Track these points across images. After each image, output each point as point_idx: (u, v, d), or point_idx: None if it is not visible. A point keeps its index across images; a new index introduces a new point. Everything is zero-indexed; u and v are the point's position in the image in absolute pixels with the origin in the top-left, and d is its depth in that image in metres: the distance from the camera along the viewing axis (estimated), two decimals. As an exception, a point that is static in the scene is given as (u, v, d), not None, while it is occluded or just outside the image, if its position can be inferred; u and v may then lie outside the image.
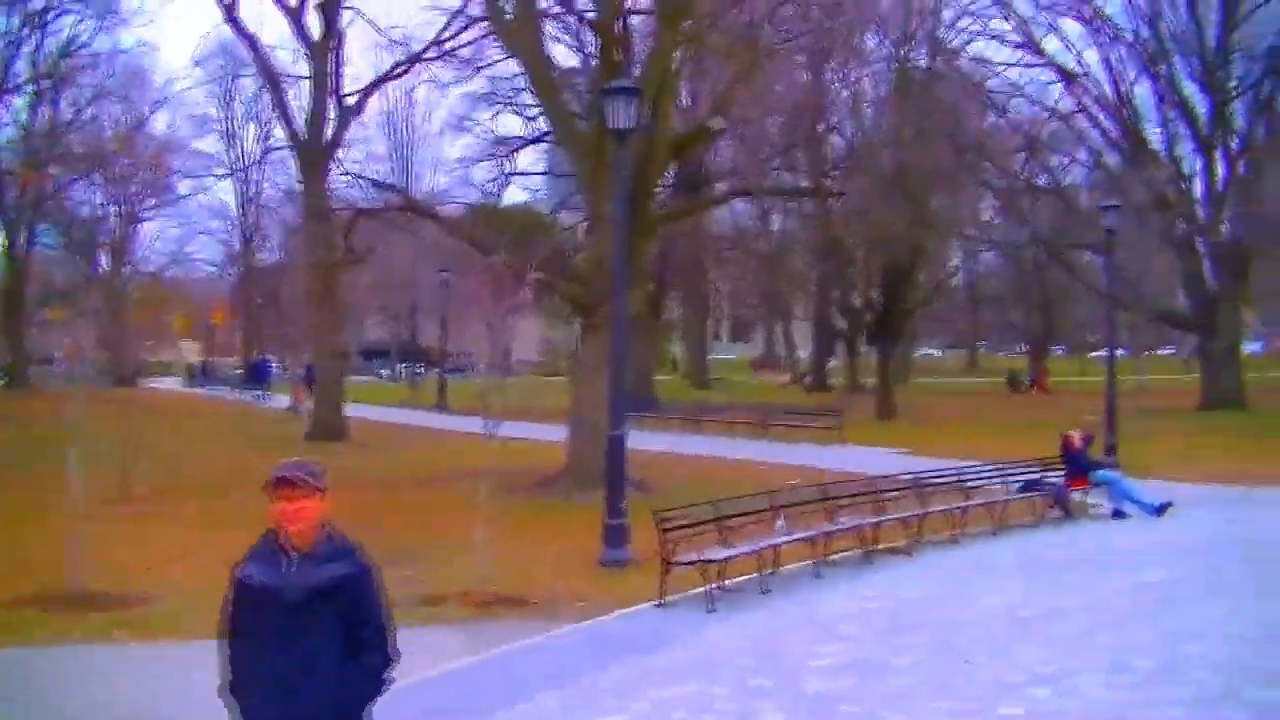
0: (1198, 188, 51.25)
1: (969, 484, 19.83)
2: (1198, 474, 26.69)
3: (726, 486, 24.64)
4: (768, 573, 14.88)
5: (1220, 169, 49.91)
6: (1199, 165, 51.11)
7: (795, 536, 15.50)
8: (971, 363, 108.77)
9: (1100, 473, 21.19)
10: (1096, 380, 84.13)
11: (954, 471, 20.12)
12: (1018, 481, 20.69)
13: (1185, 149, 52.04)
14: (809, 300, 75.49)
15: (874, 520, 17.00)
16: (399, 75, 44.06)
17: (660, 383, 71.29)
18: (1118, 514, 20.46)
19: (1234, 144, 49.89)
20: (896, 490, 18.54)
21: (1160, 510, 20.22)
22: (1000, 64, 51.43)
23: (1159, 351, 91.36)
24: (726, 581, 14.35)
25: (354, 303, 65.18)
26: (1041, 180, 54.53)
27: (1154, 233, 46.82)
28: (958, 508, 18.48)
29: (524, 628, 12.84)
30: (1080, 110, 51.18)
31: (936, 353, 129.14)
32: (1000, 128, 52.86)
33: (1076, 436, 21.60)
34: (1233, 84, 49.84)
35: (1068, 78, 51.01)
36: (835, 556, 16.32)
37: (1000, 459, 29.80)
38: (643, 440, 36.92)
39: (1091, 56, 53.33)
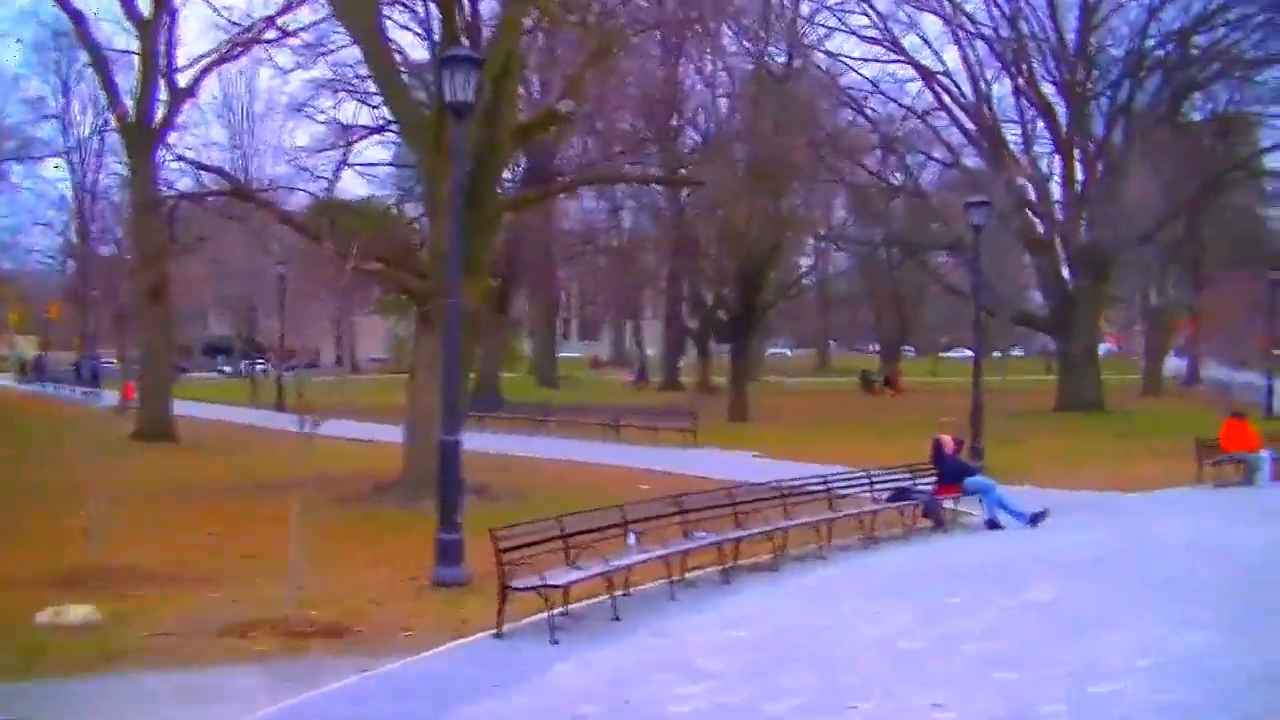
0: (1056, 189, 51.10)
1: (835, 492, 18.38)
2: (1067, 479, 25.86)
3: (575, 493, 23.08)
4: (620, 594, 13.24)
5: (1079, 170, 49.68)
6: (1058, 166, 50.95)
7: (649, 555, 13.82)
8: (822, 362, 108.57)
9: (973, 480, 19.90)
10: (948, 380, 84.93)
11: (819, 479, 18.59)
12: (886, 489, 19.31)
13: (1044, 150, 51.90)
14: (660, 298, 74.23)
15: (735, 536, 15.40)
16: (235, 56, 41.43)
17: (508, 381, 69.50)
18: (991, 524, 19.23)
19: (1092, 146, 49.73)
20: (758, 501, 16.94)
21: (1035, 520, 19.05)
22: (858, 58, 50.64)
23: (1009, 353, 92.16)
24: (573, 606, 12.68)
25: (194, 296, 61.97)
26: (898, 179, 53.94)
27: (1012, 233, 46.30)
28: (824, 520, 17.00)
29: (339, 665, 10.93)
30: (939, 108, 50.62)
31: (787, 351, 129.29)
32: (857, 125, 52.09)
33: (949, 440, 20.29)
34: (1091, 85, 49.65)
35: (927, 75, 50.40)
36: (693, 574, 14.74)
37: (864, 463, 28.91)
38: (487, 441, 35.11)
39: (952, 55, 52.94)
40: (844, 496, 18.51)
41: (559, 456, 30.62)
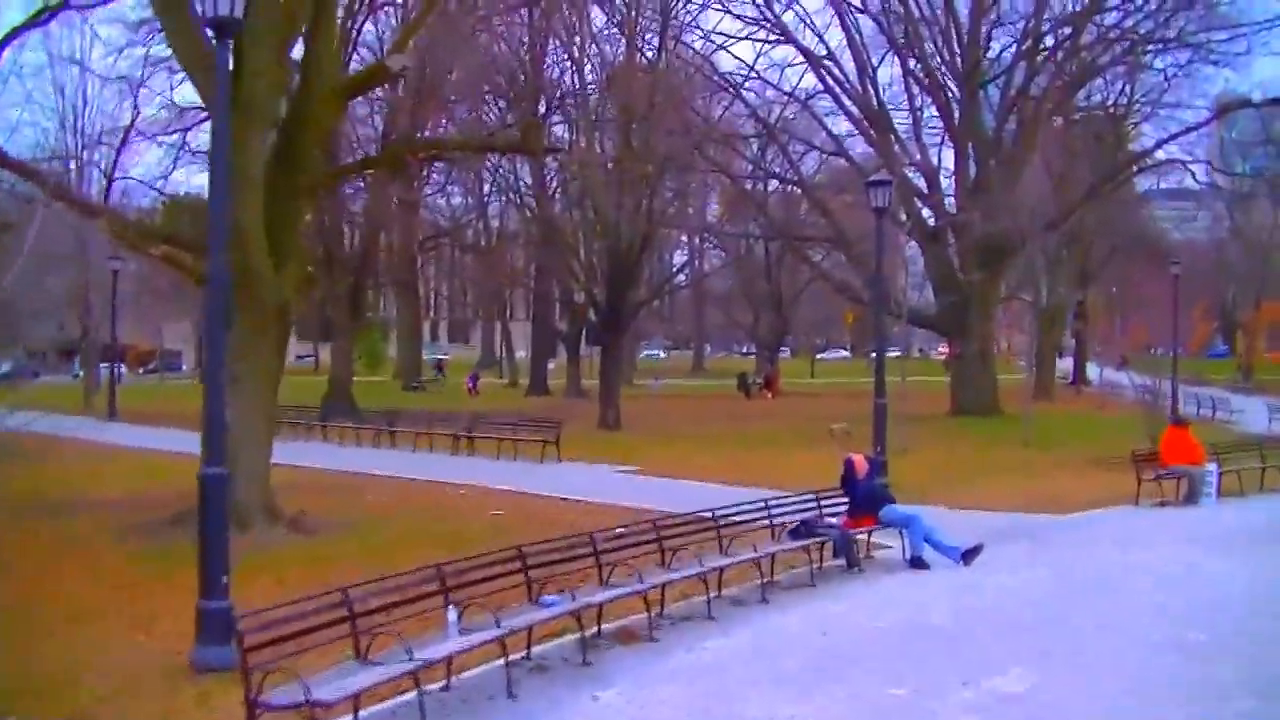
0: (948, 180, 48.19)
1: (726, 526, 14.66)
2: (979, 497, 22.57)
3: (411, 520, 19.25)
4: (437, 686, 9.48)
5: (972, 160, 46.77)
6: (950, 155, 48.04)
7: (473, 642, 9.89)
8: (697, 364, 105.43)
9: (893, 511, 16.26)
10: (826, 382, 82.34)
11: (705, 514, 14.81)
12: (788, 518, 15.64)
13: (934, 139, 49.01)
14: (530, 297, 70.36)
15: (598, 600, 11.60)
16: (43, 22, 36.69)
17: (370, 386, 65.21)
18: (916, 562, 15.63)
19: (986, 134, 46.89)
20: (628, 545, 13.16)
21: (969, 557, 15.60)
22: (737, 36, 47.16)
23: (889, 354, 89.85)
24: (370, 711, 8.90)
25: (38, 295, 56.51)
26: (778, 168, 50.75)
27: (902, 227, 43.31)
28: (712, 570, 13.27)
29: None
30: (824, 91, 47.42)
31: (660, 354, 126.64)
32: (735, 111, 48.81)
33: (860, 461, 16.69)
34: (984, 71, 46.80)
35: (810, 59, 47.15)
36: (541, 647, 11.00)
37: (751, 478, 25.37)
38: (327, 454, 31.08)
39: (836, 36, 49.71)
40: (736, 525, 14.82)
41: (401, 473, 26.63)
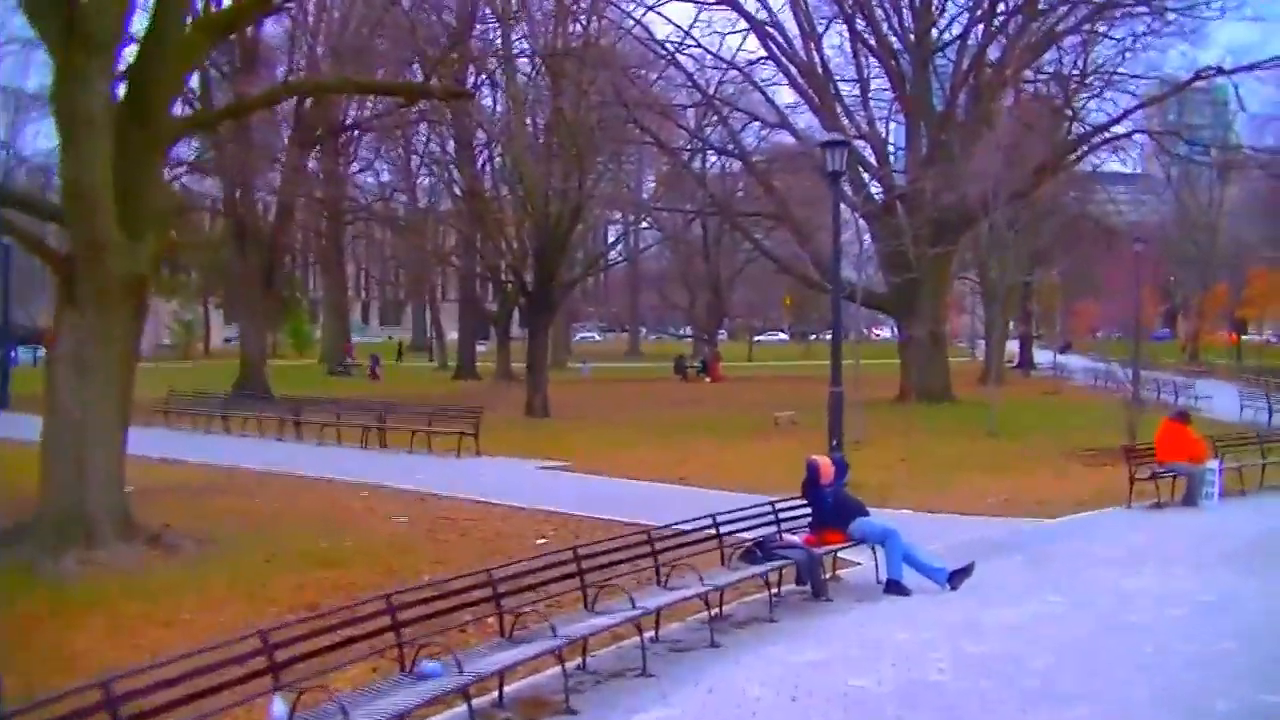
0: (896, 155, 45.61)
1: (664, 549, 11.87)
2: (960, 498, 20.01)
3: (298, 531, 16.38)
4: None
5: (924, 133, 44.13)
6: (898, 131, 45.45)
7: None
8: (633, 347, 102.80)
9: (864, 524, 13.49)
10: (765, 366, 79.78)
11: (634, 537, 11.96)
12: (740, 534, 12.90)
13: (883, 111, 46.45)
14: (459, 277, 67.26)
15: (499, 666, 8.69)
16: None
17: (294, 371, 62.21)
18: (893, 587, 12.82)
19: (938, 105, 44.30)
20: (542, 582, 10.33)
21: (956, 579, 12.93)
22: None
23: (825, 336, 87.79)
24: None
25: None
26: (718, 141, 47.98)
27: (850, 204, 40.71)
28: (647, 611, 10.47)
29: None
30: (767, 59, 44.67)
31: (596, 336, 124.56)
32: (673, 81, 45.98)
33: (825, 465, 13.90)
34: (937, 37, 44.17)
35: (752, 22, 44.42)
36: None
37: (693, 474, 22.73)
38: (225, 448, 28.05)
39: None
40: (672, 550, 12.05)
41: (302, 469, 23.64)
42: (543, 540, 15.65)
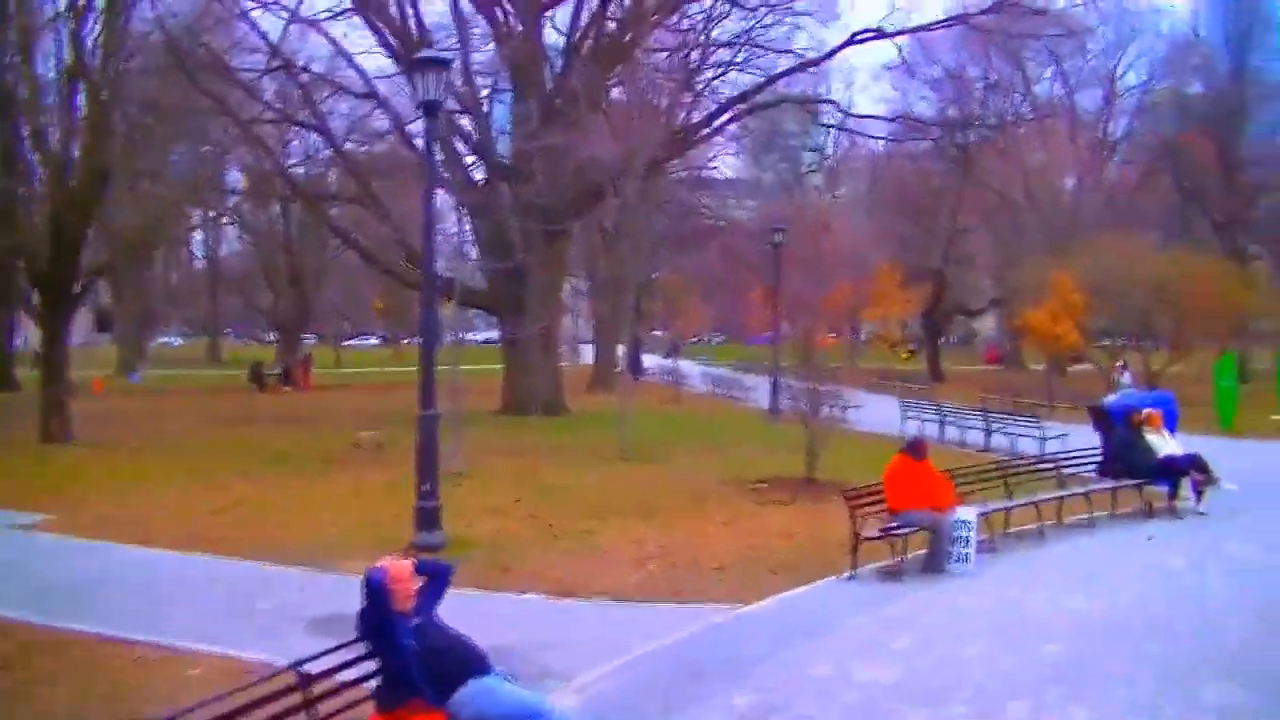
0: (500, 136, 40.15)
1: None
2: (606, 565, 14.48)
3: None
4: None
5: (536, 106, 38.41)
6: (502, 109, 39.97)
7: None
8: (214, 353, 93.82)
9: (484, 691, 7.43)
10: (356, 372, 72.58)
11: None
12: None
13: (488, 82, 40.86)
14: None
15: None
16: None
17: None
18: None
19: (550, 71, 38.90)
20: None
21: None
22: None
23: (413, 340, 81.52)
24: None
25: None
26: (302, 113, 41.03)
27: (446, 187, 34.86)
28: None
29: None
30: (352, 11, 38.14)
31: (176, 341, 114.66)
32: (247, 36, 38.65)
33: (399, 572, 7.76)
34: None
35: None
36: None
37: (237, 543, 16.32)
38: None
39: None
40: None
41: None
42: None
